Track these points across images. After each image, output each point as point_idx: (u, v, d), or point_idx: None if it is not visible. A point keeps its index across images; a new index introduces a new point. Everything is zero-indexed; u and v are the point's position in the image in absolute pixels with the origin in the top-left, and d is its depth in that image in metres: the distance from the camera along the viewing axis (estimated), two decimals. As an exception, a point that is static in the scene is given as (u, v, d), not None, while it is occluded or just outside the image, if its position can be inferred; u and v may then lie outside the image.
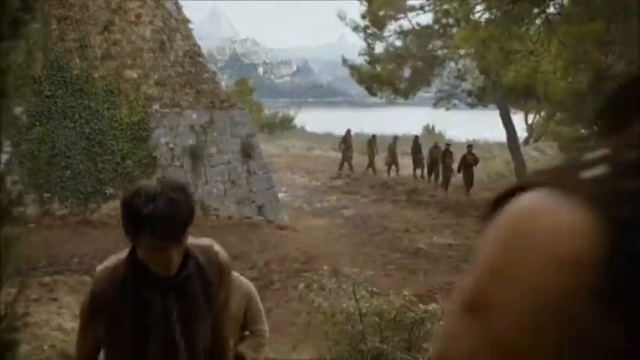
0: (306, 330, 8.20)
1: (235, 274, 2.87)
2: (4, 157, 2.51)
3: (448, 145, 21.82)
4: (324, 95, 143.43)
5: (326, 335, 4.78)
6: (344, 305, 4.77)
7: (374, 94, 23.84)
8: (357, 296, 4.69)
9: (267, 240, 13.96)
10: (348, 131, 24.94)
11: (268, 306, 10.89)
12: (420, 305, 4.68)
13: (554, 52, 15.09)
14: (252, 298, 3.09)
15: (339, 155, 26.30)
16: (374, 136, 24.76)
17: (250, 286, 3.13)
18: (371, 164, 23.98)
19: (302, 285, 5.12)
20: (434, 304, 4.80)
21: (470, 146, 20.74)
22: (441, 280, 12.20)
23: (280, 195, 17.70)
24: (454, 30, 20.05)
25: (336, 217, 17.79)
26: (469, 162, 19.81)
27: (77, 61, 13.84)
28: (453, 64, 23.61)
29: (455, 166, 20.74)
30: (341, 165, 24.20)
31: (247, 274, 12.04)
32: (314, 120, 42.24)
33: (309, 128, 39.81)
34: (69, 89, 13.72)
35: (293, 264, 12.57)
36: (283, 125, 37.17)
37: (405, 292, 4.77)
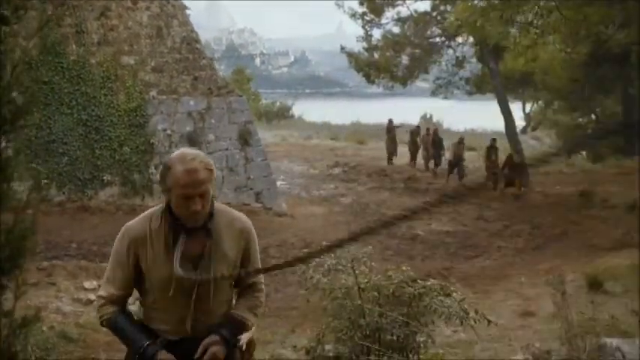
0: (304, 314, 8.21)
1: (233, 210, 2.84)
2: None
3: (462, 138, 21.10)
4: (321, 86, 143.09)
5: (324, 311, 4.78)
6: (343, 281, 4.77)
7: (372, 82, 23.76)
8: (356, 272, 4.69)
9: (265, 227, 13.95)
10: (390, 121, 23.72)
11: (267, 291, 10.91)
12: (419, 281, 4.68)
13: (554, 24, 15.04)
14: (252, 238, 2.84)
15: (336, 144, 26.28)
16: (418, 127, 23.36)
17: (250, 224, 2.86)
18: (413, 159, 22.87)
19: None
20: (432, 280, 4.81)
21: (517, 145, 19.54)
22: (439, 266, 12.22)
23: (278, 183, 17.69)
24: (452, 18, 19.99)
25: (334, 204, 17.80)
26: (515, 162, 18.40)
27: (74, 46, 13.76)
28: (451, 51, 23.55)
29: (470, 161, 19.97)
30: (389, 159, 23.19)
31: (245, 259, 12.06)
32: (311, 111, 42.17)
33: (306, 118, 39.77)
34: (66, 75, 13.64)
35: (291, 250, 12.59)
36: (281, 114, 37.11)
37: (404, 268, 4.77)
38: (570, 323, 5.56)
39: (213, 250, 2.66)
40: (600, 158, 23.09)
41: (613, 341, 5.25)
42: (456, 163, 20.32)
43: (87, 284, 9.43)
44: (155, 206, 2.78)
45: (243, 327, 2.81)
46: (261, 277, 2.93)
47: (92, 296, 9.10)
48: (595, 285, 8.87)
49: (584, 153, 26.30)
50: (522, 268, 11.88)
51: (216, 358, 2.64)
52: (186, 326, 2.68)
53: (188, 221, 2.60)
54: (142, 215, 2.73)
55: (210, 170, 2.61)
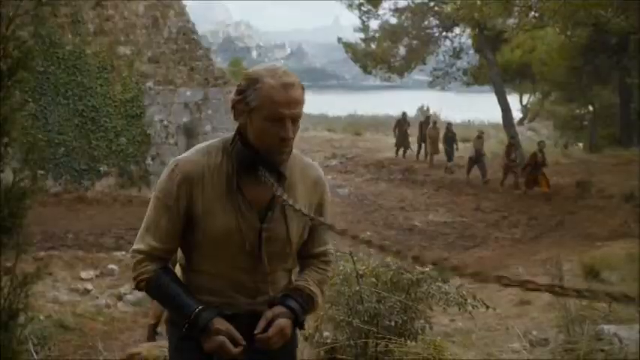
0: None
1: (303, 156, 2.30)
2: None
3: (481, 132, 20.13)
4: (318, 79, 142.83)
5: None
6: (341, 268, 4.76)
7: (369, 73, 23.70)
8: (355, 258, 4.67)
9: (262, 217, 13.94)
10: (404, 114, 22.53)
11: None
12: (417, 267, 4.67)
13: (553, 6, 14.99)
14: (327, 192, 2.30)
15: (333, 136, 26.13)
16: (428, 118, 22.33)
17: (323, 175, 2.34)
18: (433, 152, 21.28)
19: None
20: (430, 266, 4.80)
21: (540, 143, 18.36)
22: (437, 257, 12.24)
23: (275, 174, 17.64)
24: (449, 8, 19.94)
25: (332, 195, 17.62)
26: (539, 161, 17.27)
27: (70, 36, 13.70)
28: (448, 42, 23.51)
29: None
30: (403, 151, 22.18)
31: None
32: (308, 103, 41.96)
33: (303, 110, 39.68)
34: (61, 65, 13.59)
35: (288, 240, 12.54)
36: (278, 107, 37.06)
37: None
38: (568, 310, 5.56)
39: (286, 199, 2.03)
40: (597, 149, 23.10)
41: (611, 328, 5.24)
42: (477, 158, 19.14)
43: (83, 274, 9.43)
44: (212, 140, 2.21)
45: (312, 303, 2.20)
46: (331, 246, 2.33)
47: (89, 286, 9.09)
48: (592, 274, 8.88)
49: (580, 144, 26.33)
50: (519, 258, 11.89)
51: (283, 335, 2.09)
52: (243, 298, 2.13)
53: (271, 154, 2.03)
54: (195, 149, 2.15)
55: (304, 91, 2.11)
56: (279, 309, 2.11)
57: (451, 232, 14.47)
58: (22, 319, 0.88)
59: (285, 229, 2.11)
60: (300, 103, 2.05)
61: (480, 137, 19.46)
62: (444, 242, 13.78)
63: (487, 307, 4.57)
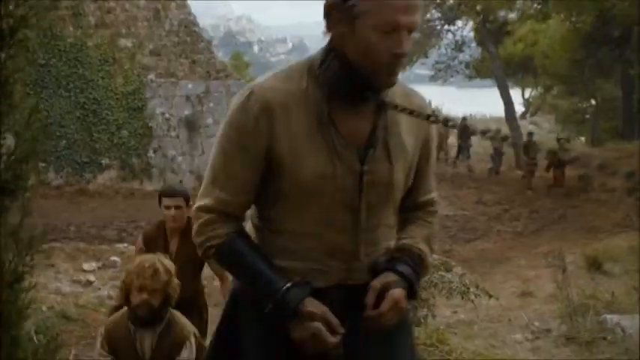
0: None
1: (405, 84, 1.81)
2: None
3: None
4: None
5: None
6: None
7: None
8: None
9: (264, 210, 13.96)
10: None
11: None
12: (420, 256, 4.66)
13: None
14: (432, 127, 1.80)
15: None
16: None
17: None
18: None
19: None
20: (433, 255, 4.79)
21: (560, 140, 17.85)
22: (439, 249, 12.23)
23: (277, 167, 17.67)
24: (451, 0, 19.88)
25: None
26: (562, 159, 16.71)
27: (71, 29, 13.69)
28: (450, 35, 23.47)
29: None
30: (456, 159, 20.15)
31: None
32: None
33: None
34: (63, 58, 13.59)
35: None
36: (279, 101, 37.08)
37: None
38: (570, 300, 5.56)
39: (389, 135, 1.65)
40: (599, 142, 23.07)
41: (613, 317, 5.25)
42: (498, 156, 18.66)
43: (86, 266, 9.42)
44: (295, 62, 1.77)
45: (423, 266, 1.74)
46: (436, 194, 1.87)
47: (91, 277, 9.09)
48: (594, 266, 8.88)
49: (583, 138, 26.29)
50: (521, 251, 11.89)
51: (399, 309, 1.63)
52: (336, 263, 1.65)
53: (379, 76, 1.57)
54: (273, 73, 1.70)
55: None
56: (388, 276, 1.63)
57: (453, 225, 14.47)
58: (26, 283, 0.88)
59: (389, 171, 1.64)
60: (419, 8, 1.59)
61: (497, 134, 18.96)
62: (446, 235, 13.77)
63: (490, 297, 4.58)
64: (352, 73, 1.59)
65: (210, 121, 15.18)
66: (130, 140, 14.30)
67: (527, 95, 37.00)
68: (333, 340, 1.56)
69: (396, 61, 1.57)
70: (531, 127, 28.90)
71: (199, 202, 1.66)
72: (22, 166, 0.93)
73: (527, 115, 34.88)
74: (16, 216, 0.92)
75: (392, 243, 1.73)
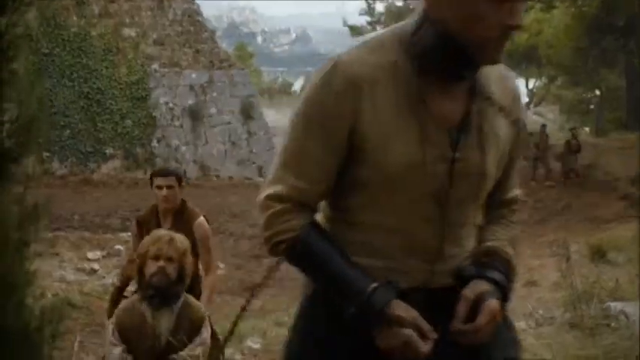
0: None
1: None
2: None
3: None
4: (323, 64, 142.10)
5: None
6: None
7: (374, 56, 23.61)
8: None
9: (267, 200, 13.97)
10: (543, 127, 18.42)
11: (269, 262, 10.98)
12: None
13: None
14: (524, 112, 1.64)
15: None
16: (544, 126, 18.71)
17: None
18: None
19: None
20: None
21: (573, 129, 17.52)
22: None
23: (280, 158, 17.69)
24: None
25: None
26: (573, 149, 16.45)
27: (74, 18, 13.68)
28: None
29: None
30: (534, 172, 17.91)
31: (248, 231, 12.07)
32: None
33: (308, 94, 39.69)
34: (67, 47, 13.59)
35: (294, 222, 12.56)
36: (283, 91, 37.03)
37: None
38: (575, 288, 5.56)
39: (484, 120, 1.46)
40: (603, 132, 23.02)
41: (617, 305, 5.24)
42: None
43: (90, 255, 9.47)
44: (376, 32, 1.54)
45: (511, 271, 1.54)
46: (520, 191, 1.67)
47: (96, 266, 9.15)
48: (598, 255, 8.87)
49: (587, 128, 26.21)
50: (525, 240, 11.87)
51: (495, 322, 1.43)
52: (419, 263, 1.46)
53: (485, 50, 1.38)
54: (363, 42, 1.46)
55: None
56: (481, 285, 1.44)
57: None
58: (30, 251, 0.88)
59: (481, 160, 1.45)
60: None
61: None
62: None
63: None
64: (450, 46, 1.37)
65: (213, 110, 15.18)
66: (133, 130, 14.31)
67: (531, 86, 36.89)
68: (426, 348, 1.35)
69: (507, 35, 1.39)
70: (535, 118, 28.83)
71: (268, 190, 1.44)
72: (25, 133, 0.93)
73: (531, 106, 34.79)
74: (20, 183, 0.93)
75: (474, 245, 1.54)
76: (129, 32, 14.37)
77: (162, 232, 3.05)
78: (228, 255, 10.96)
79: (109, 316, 4.15)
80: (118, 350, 2.93)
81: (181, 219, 3.81)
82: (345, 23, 24.02)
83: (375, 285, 1.36)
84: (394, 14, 22.41)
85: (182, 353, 2.88)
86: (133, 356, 2.92)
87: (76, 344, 5.46)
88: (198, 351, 2.91)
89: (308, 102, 1.43)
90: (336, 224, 1.50)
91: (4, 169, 0.92)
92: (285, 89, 37.57)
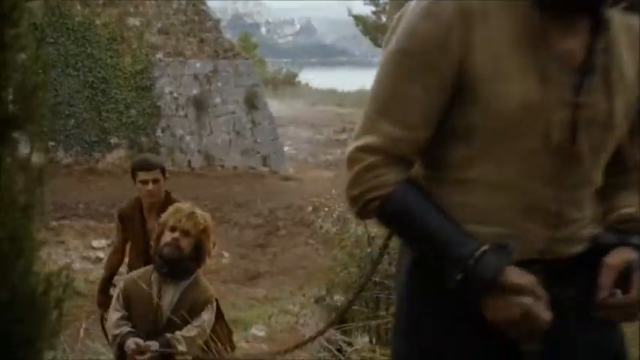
0: (312, 273, 8.25)
1: None
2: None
3: None
4: (327, 55, 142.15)
5: (334, 260, 4.78)
6: (352, 230, 4.76)
7: (379, 46, 23.56)
8: (366, 220, 4.66)
9: (272, 190, 13.98)
10: None
11: (274, 251, 10.99)
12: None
13: None
14: None
15: (343, 110, 25.99)
16: None
17: None
18: None
19: (310, 208, 5.12)
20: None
21: None
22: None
23: (285, 148, 17.64)
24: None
25: (341, 169, 17.69)
26: None
27: (79, 7, 13.66)
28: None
29: None
30: None
31: (252, 220, 12.08)
32: (317, 79, 41.92)
33: (312, 85, 39.57)
34: (71, 36, 13.58)
35: (298, 212, 12.59)
36: (287, 82, 36.91)
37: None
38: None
39: (609, 59, 1.25)
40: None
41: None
42: None
43: (95, 243, 9.51)
44: None
45: None
46: None
47: (101, 254, 9.18)
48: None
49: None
50: None
51: None
52: (538, 229, 1.25)
53: None
54: None
55: None
56: (627, 253, 1.23)
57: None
58: (36, 213, 0.88)
59: (608, 107, 1.24)
60: None
61: None
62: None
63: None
64: None
65: (218, 100, 15.15)
66: (138, 119, 14.31)
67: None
68: (547, 316, 1.17)
69: None
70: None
71: (357, 142, 1.26)
72: (30, 99, 0.93)
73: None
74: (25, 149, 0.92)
75: (594, 211, 1.33)
76: (133, 21, 14.34)
77: (185, 206, 2.97)
78: (232, 244, 10.98)
79: (100, 306, 4.08)
80: (116, 316, 2.87)
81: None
82: (349, 13, 23.90)
83: (485, 247, 1.18)
84: (398, 3, 22.26)
85: (178, 333, 2.79)
86: (134, 325, 2.84)
87: (82, 331, 5.49)
88: (194, 333, 2.81)
89: (406, 35, 1.23)
90: (434, 185, 1.29)
91: (9, 134, 0.92)
92: (290, 80, 37.46)
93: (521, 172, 1.22)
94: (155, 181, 3.69)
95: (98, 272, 8.43)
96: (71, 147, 13.74)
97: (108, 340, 3.84)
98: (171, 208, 2.96)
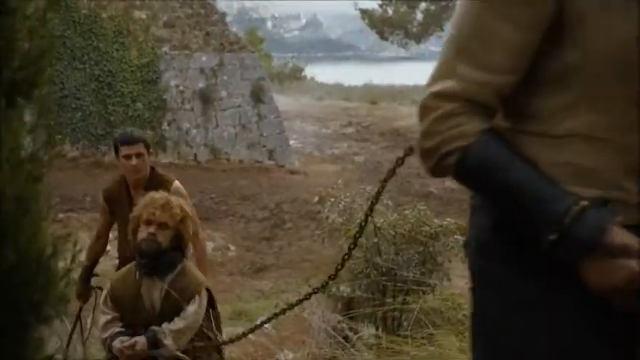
0: (318, 266, 8.26)
1: None
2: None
3: None
4: (333, 49, 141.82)
5: (340, 250, 4.76)
6: (358, 221, 4.74)
7: (385, 39, 23.49)
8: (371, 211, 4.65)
9: (278, 183, 13.98)
10: None
11: (280, 244, 11.00)
12: (435, 220, 4.66)
13: None
14: None
15: (349, 104, 25.95)
16: None
17: None
18: None
19: (316, 199, 5.13)
20: (448, 219, 4.79)
21: None
22: (456, 212, 12.22)
23: (291, 142, 17.65)
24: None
25: (347, 162, 17.75)
26: None
27: (85, 0, 13.68)
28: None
29: None
30: None
31: (258, 214, 12.09)
32: (323, 73, 41.88)
33: (318, 79, 39.54)
34: (77, 30, 13.60)
35: (304, 206, 12.59)
36: (293, 76, 36.88)
37: (420, 207, 4.73)
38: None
39: None
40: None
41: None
42: None
43: (102, 236, 9.52)
44: None
45: None
46: None
47: (108, 247, 9.18)
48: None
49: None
50: None
51: None
52: (638, 187, 1.11)
53: None
54: None
55: None
56: None
57: (466, 199, 14.41)
58: (44, 181, 0.88)
59: None
60: None
61: None
62: (460, 208, 13.72)
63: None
64: None
65: (224, 93, 15.15)
66: (144, 113, 14.33)
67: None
68: None
69: None
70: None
71: (432, 87, 1.12)
72: (36, 65, 0.92)
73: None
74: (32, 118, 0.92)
75: None
76: (139, 14, 14.34)
77: (158, 196, 2.79)
78: (238, 237, 11.00)
79: (79, 297, 3.97)
80: (103, 319, 2.77)
81: (155, 188, 3.34)
82: (356, 7, 23.86)
83: (584, 203, 1.02)
84: (405, -4, 22.22)
85: (164, 326, 2.69)
86: (126, 325, 2.74)
87: (89, 321, 5.50)
88: (181, 325, 2.70)
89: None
90: (517, 139, 1.12)
91: (16, 100, 0.92)
92: (296, 74, 37.43)
93: (620, 124, 1.05)
94: (139, 155, 3.53)
95: (105, 264, 8.45)
96: (77, 140, 13.77)
97: (83, 337, 3.76)
98: (142, 200, 2.82)
